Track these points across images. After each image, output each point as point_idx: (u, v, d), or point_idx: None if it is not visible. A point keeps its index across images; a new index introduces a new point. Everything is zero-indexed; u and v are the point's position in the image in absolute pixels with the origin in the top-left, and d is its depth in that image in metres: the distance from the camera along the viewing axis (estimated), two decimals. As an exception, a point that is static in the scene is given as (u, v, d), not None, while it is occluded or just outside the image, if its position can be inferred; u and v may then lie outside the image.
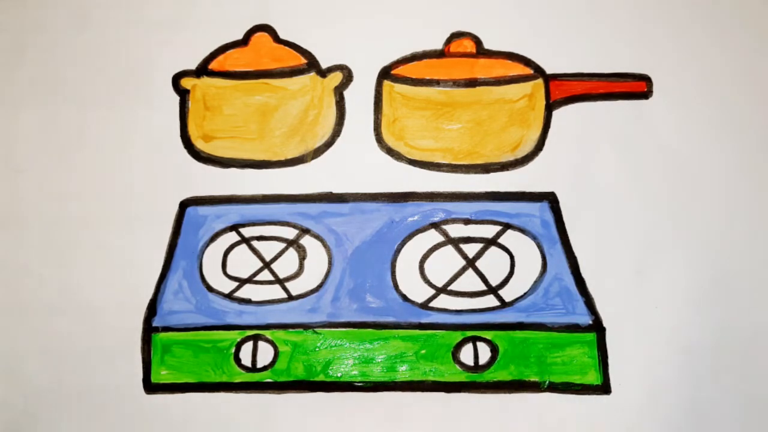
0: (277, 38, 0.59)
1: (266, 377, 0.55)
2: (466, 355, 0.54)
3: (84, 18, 0.60)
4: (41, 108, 0.59)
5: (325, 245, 0.56)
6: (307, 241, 0.56)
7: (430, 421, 0.54)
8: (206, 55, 0.59)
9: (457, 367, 0.54)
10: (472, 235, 0.56)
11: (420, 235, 0.56)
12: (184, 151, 0.58)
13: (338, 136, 0.58)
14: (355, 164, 0.57)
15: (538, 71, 0.57)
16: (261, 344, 0.55)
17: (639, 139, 0.57)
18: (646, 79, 0.57)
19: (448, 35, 0.58)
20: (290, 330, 0.55)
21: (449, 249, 0.56)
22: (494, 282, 0.55)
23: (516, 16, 0.58)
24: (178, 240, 0.57)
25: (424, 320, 0.55)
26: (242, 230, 0.57)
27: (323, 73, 0.58)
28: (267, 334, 0.55)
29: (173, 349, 0.55)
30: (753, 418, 0.54)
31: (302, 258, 0.56)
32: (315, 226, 0.56)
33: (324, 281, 0.56)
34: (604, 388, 0.54)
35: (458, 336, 0.54)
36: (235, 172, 0.58)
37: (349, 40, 0.59)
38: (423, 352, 0.54)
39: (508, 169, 0.57)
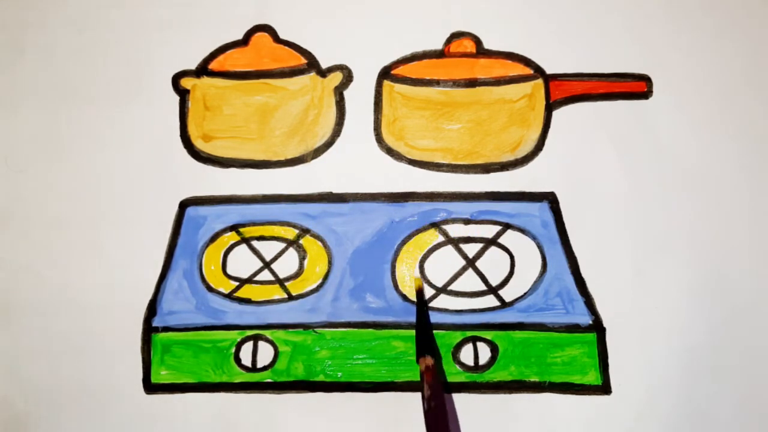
0: (277, 38, 0.59)
1: (266, 377, 0.55)
2: (466, 355, 0.54)
3: (84, 18, 0.60)
4: (41, 108, 0.59)
5: (325, 245, 0.56)
6: (307, 241, 0.56)
7: (430, 421, 0.54)
8: (206, 55, 0.59)
9: (457, 367, 0.54)
10: (472, 235, 0.56)
11: (420, 235, 0.56)
12: (184, 151, 0.58)
13: (338, 136, 0.58)
14: (355, 164, 0.57)
15: (538, 71, 0.57)
16: (261, 344, 0.55)
17: (639, 139, 0.57)
18: (646, 79, 0.57)
19: (448, 35, 0.58)
20: (290, 330, 0.55)
21: (449, 249, 0.56)
22: (494, 282, 0.55)
23: (516, 16, 0.58)
24: (178, 240, 0.57)
25: (424, 320, 0.55)
26: (242, 230, 0.57)
27: (323, 73, 0.58)
28: (267, 334, 0.55)
29: (173, 349, 0.55)
30: (753, 418, 0.54)
31: (302, 258, 0.56)
32: (315, 226, 0.56)
33: (324, 281, 0.56)
34: (604, 388, 0.54)
35: (458, 336, 0.54)
36: (235, 172, 0.58)
37: (349, 40, 0.59)
38: (423, 352, 0.54)
39: (508, 169, 0.57)
